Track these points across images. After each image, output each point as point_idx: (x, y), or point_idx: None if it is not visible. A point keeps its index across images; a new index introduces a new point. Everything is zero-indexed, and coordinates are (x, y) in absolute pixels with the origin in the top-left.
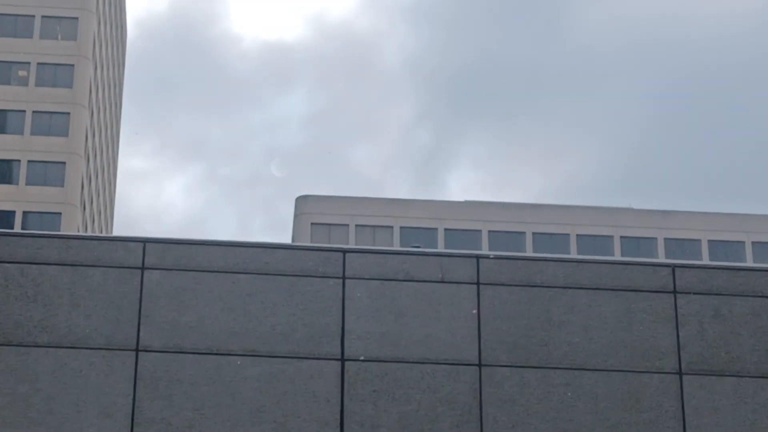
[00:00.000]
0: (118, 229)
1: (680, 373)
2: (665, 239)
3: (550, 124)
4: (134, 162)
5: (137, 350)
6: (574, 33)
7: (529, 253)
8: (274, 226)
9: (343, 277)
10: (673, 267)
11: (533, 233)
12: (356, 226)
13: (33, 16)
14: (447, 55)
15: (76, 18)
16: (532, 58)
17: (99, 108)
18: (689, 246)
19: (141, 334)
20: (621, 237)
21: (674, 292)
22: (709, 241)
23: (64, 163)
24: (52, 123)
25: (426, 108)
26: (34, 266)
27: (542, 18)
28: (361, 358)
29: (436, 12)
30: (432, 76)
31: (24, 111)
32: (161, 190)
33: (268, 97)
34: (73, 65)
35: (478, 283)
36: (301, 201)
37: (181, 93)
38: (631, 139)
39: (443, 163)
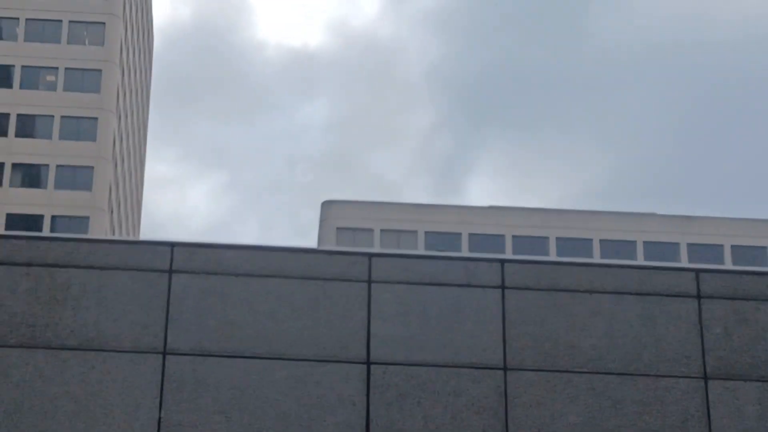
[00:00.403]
0: (145, 234)
1: (705, 378)
2: (688, 244)
3: (569, 130)
4: (159, 168)
5: (164, 353)
6: (593, 38)
7: (553, 257)
8: (296, 233)
9: (369, 281)
10: (697, 272)
11: (557, 238)
12: (381, 230)
13: (60, 21)
14: (467, 61)
15: (103, 23)
16: (551, 63)
17: (126, 113)
18: (712, 251)
19: (168, 337)
20: (644, 242)
21: (698, 296)
22: (732, 246)
23: (92, 167)
24: (80, 128)
25: (446, 114)
26: (62, 269)
27: (561, 23)
28: (387, 361)
29: (457, 19)
30: (452, 82)
31: (52, 116)
32: (185, 196)
33: (290, 104)
34: (100, 70)
35: (503, 287)
36: (327, 206)
37: (205, 99)
38: (651, 144)
39: (463, 169)
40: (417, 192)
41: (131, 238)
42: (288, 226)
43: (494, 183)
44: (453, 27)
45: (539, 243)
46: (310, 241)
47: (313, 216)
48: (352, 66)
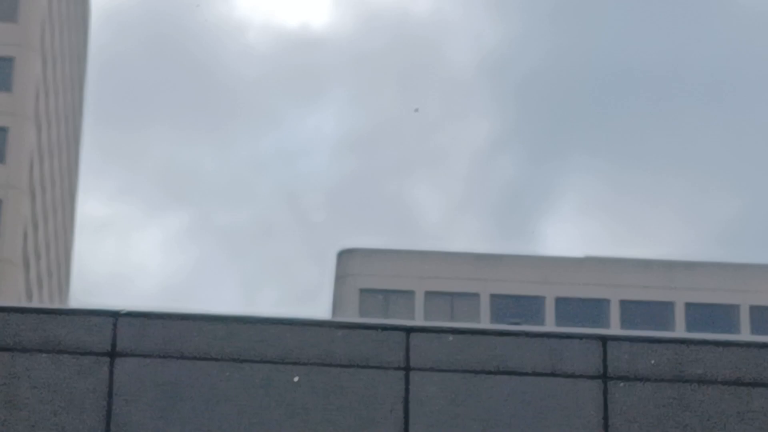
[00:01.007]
0: (76, 299)
1: None
2: None
3: (690, 148)
4: (93, 205)
5: None
6: (723, 26)
7: (680, 333)
8: (296, 297)
9: (407, 368)
10: None
11: (686, 303)
12: (426, 293)
13: None
14: (542, 53)
15: None
16: (666, 60)
17: (49, 123)
18: None
19: None
20: None
21: None
22: None
23: None
24: None
25: (510, 127)
26: None
27: (681, 7)
28: None
29: None
30: (519, 83)
31: None
32: (130, 246)
33: (285, 113)
34: (12, 58)
35: (605, 377)
36: (346, 258)
37: (160, 108)
38: None
39: (535, 204)
40: (468, 238)
41: (57, 305)
42: (284, 288)
43: (580, 225)
44: (523, 4)
45: (660, 310)
46: (319, 310)
47: (323, 272)
48: (375, 58)
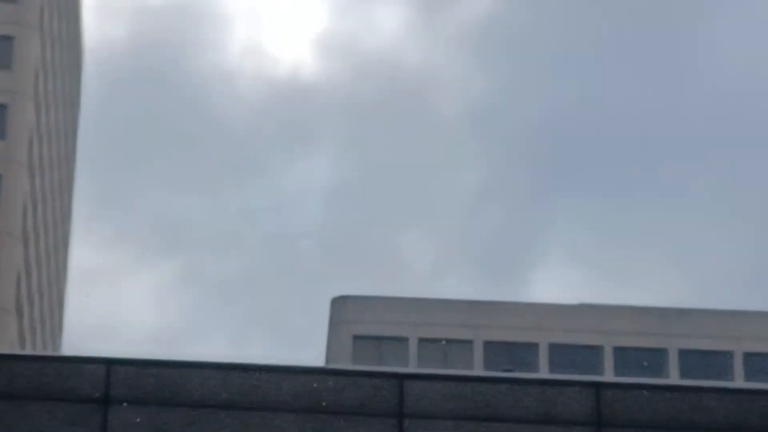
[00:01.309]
0: (68, 348)
1: None
2: None
3: (679, 195)
4: (85, 253)
5: None
6: (712, 72)
7: (674, 380)
8: (287, 345)
9: (400, 415)
10: None
11: (679, 350)
12: (420, 340)
13: None
14: (528, 101)
15: (12, 38)
16: (650, 107)
17: (42, 170)
18: None
19: None
20: None
21: None
22: None
23: None
24: None
25: (500, 174)
26: None
27: (665, 51)
28: None
29: (514, 41)
30: (507, 130)
31: None
32: (120, 295)
33: (275, 162)
34: (6, 105)
35: (598, 424)
36: (339, 305)
37: (152, 157)
38: None
39: (525, 252)
40: (457, 286)
41: (50, 352)
42: (275, 336)
43: (571, 272)
44: (508, 52)
45: (654, 357)
46: (310, 358)
47: (312, 321)
48: (365, 106)
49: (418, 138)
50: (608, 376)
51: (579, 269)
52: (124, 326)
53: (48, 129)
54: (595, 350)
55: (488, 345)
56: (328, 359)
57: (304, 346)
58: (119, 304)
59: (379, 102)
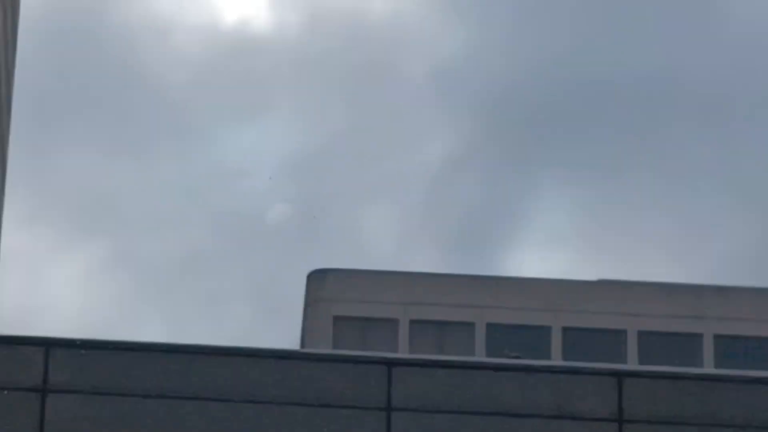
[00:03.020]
0: None
1: None
2: None
3: (679, 169)
4: None
5: None
6: (713, 25)
7: (707, 369)
8: (233, 335)
9: (388, 408)
10: None
11: (714, 335)
12: (411, 321)
13: None
14: (508, 62)
15: None
16: (649, 67)
17: None
18: None
19: None
20: None
21: None
22: None
23: None
24: None
25: (473, 143)
26: None
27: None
28: None
29: None
30: (483, 94)
31: None
32: (39, 280)
33: (221, 127)
34: None
35: (620, 421)
36: (316, 280)
37: (74, 120)
38: None
39: (500, 230)
40: (426, 268)
41: None
42: (225, 326)
43: (556, 250)
44: (487, 8)
45: (685, 343)
46: (285, 341)
47: (261, 306)
48: (326, 64)
49: (382, 103)
50: (631, 364)
51: (564, 248)
52: (43, 314)
53: None
54: (616, 334)
55: (492, 327)
56: (303, 343)
57: (252, 337)
58: (38, 290)
59: (339, 58)
